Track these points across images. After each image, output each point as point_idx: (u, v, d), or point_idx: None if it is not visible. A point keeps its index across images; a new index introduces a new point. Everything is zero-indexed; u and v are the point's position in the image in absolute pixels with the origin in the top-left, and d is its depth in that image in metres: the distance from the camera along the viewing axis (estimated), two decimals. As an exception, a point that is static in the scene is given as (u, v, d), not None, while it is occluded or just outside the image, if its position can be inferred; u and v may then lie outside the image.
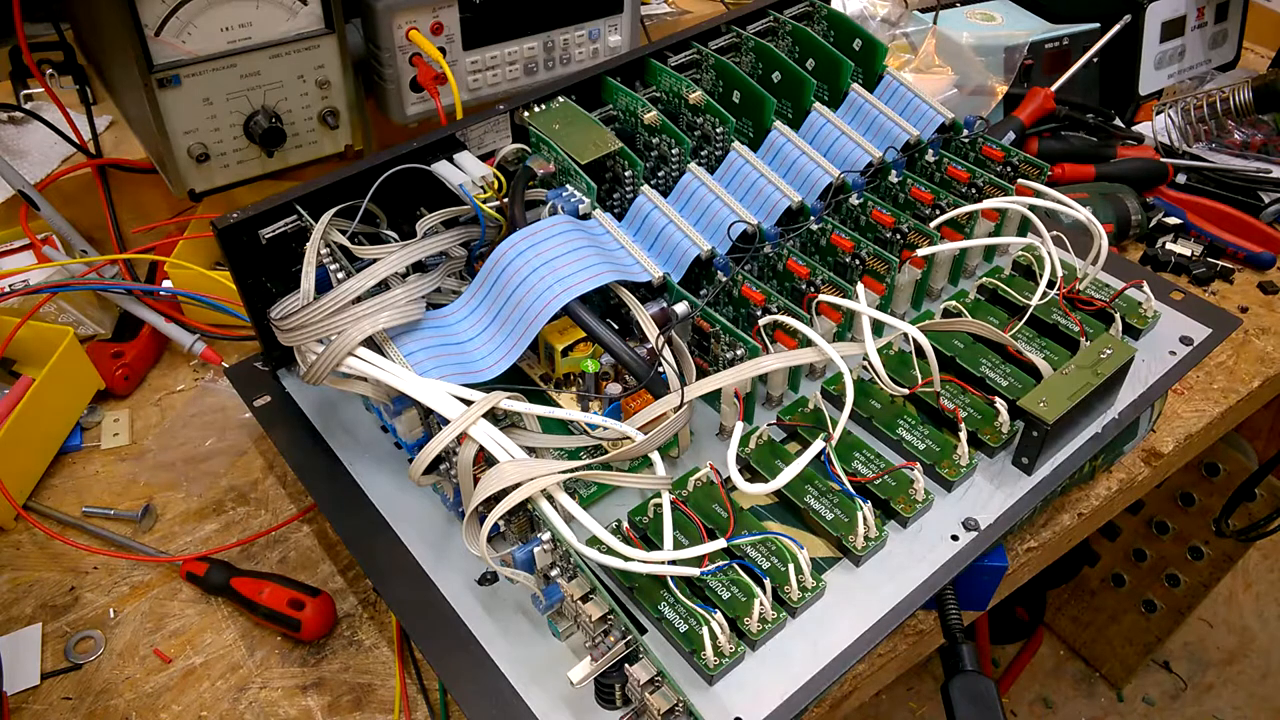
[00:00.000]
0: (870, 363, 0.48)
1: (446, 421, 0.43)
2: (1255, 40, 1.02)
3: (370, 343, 0.46)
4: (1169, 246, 0.79)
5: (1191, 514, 1.17)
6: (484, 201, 0.51)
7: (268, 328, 0.50)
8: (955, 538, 0.47)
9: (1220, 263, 0.79)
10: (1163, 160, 0.84)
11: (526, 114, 0.56)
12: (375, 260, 0.48)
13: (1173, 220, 0.81)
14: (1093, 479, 0.63)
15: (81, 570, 0.56)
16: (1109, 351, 0.50)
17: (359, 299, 0.47)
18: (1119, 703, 1.43)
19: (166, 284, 0.69)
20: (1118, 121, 0.90)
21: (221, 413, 0.65)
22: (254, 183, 0.69)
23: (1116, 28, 0.87)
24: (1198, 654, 1.48)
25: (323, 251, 0.49)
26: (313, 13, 0.64)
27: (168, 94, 0.62)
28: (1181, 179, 0.84)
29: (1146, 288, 0.57)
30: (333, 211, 0.50)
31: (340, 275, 0.49)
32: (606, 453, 0.46)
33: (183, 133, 0.64)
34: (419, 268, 0.52)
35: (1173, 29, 0.92)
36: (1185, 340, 0.57)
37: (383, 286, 0.48)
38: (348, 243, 0.50)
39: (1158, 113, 0.89)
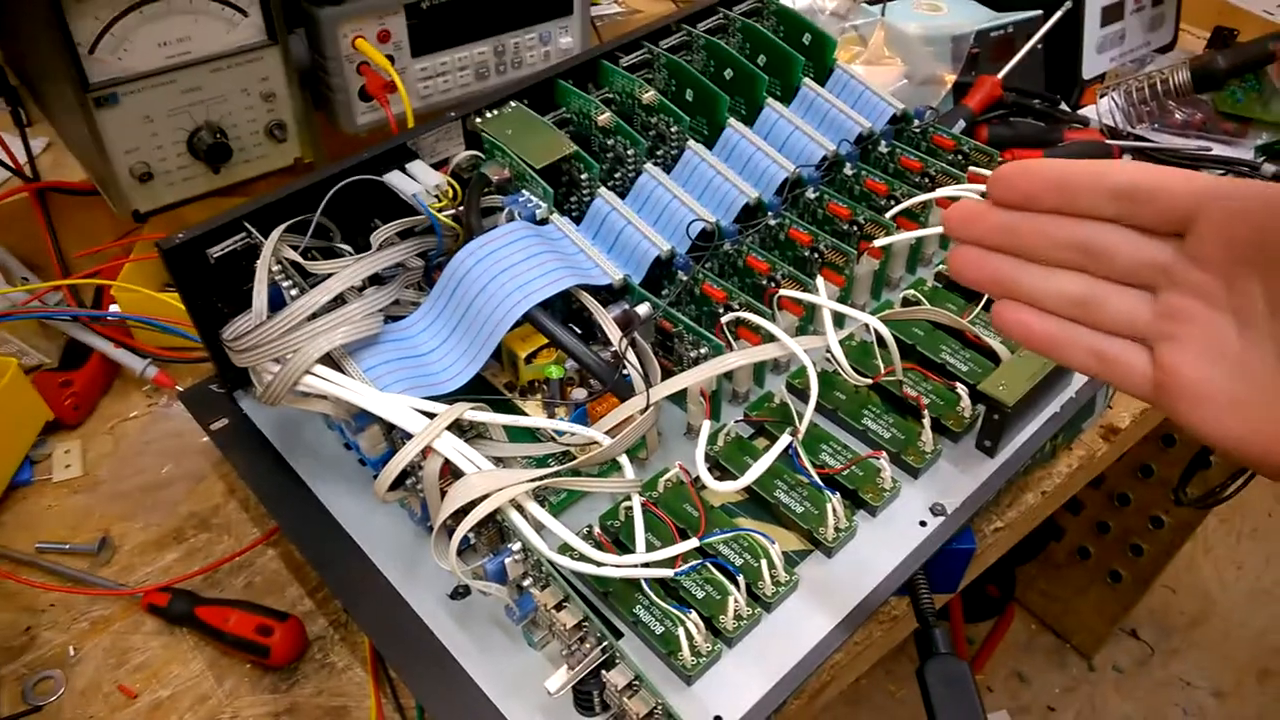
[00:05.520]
0: (833, 355, 0.49)
1: (410, 436, 0.43)
2: (1191, 22, 1.04)
3: (328, 359, 0.45)
4: (1117, 226, 0.81)
5: (1151, 484, 1.20)
6: (439, 210, 0.51)
7: (221, 349, 0.49)
8: (923, 523, 0.48)
9: (1167, 240, 0.81)
10: (1108, 142, 0.85)
11: (479, 120, 0.56)
12: (330, 275, 0.48)
13: (1120, 200, 0.82)
14: (1054, 457, 0.64)
15: (37, 609, 0.54)
16: (1065, 333, 0.51)
17: (314, 315, 0.46)
18: (1090, 672, 1.46)
19: (114, 308, 0.67)
20: (1063, 106, 0.92)
21: (178, 438, 0.64)
22: (201, 200, 0.68)
23: (1058, 14, 0.89)
24: (1163, 620, 1.52)
25: (274, 268, 0.48)
26: (253, 24, 0.63)
27: (106, 113, 0.60)
28: (1127, 159, 0.86)
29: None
30: (283, 227, 0.49)
31: (294, 292, 0.48)
32: (575, 458, 0.46)
33: (124, 152, 0.62)
34: (375, 280, 0.51)
35: (1112, 13, 0.94)
36: (1137, 318, 0.58)
37: (339, 301, 0.47)
38: (300, 258, 0.49)
39: (1101, 96, 0.91)
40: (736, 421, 0.51)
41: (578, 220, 0.55)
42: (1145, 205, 0.30)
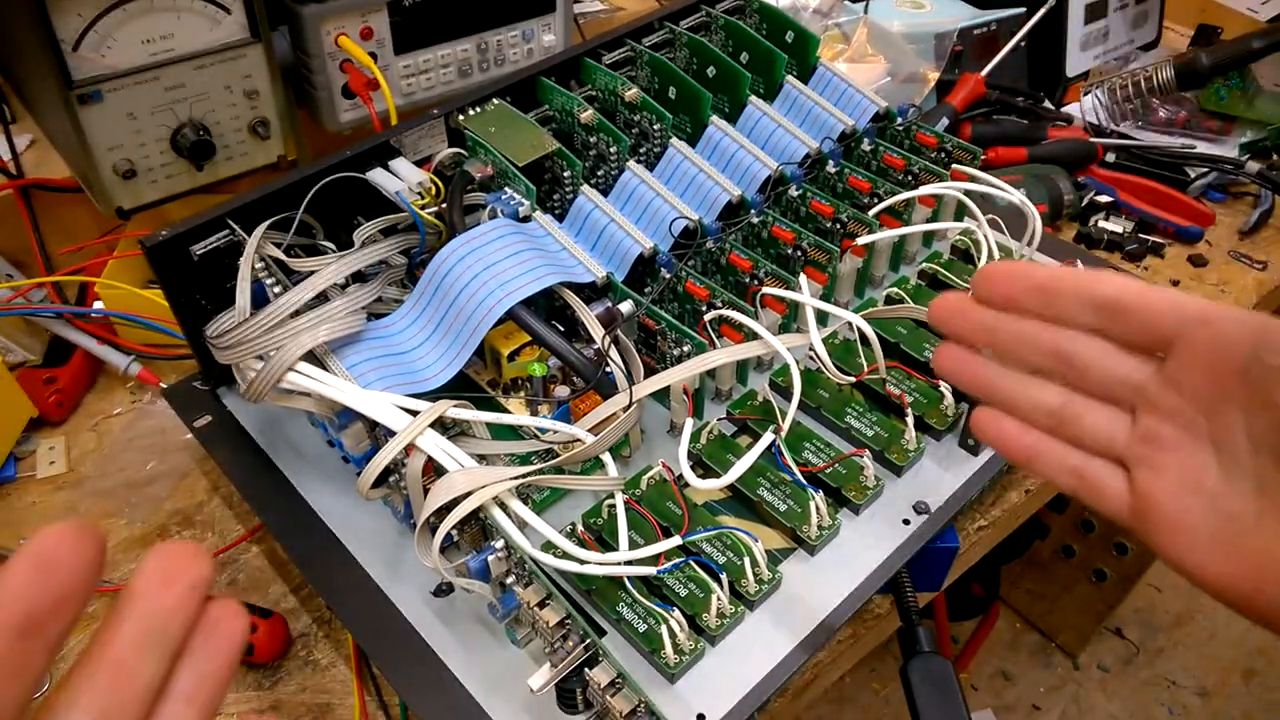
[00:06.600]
0: (816, 353, 0.49)
1: (393, 434, 0.43)
2: (1174, 20, 1.05)
3: (311, 357, 0.45)
4: (1101, 224, 0.81)
5: (1136, 482, 1.20)
6: (422, 208, 0.51)
7: (205, 346, 0.49)
8: (907, 521, 0.48)
9: (1151, 238, 0.81)
10: (1092, 140, 0.86)
11: (462, 117, 0.56)
12: (313, 272, 0.47)
13: (1104, 198, 0.83)
14: (1038, 455, 0.65)
15: (20, 606, 0.54)
16: (1046, 330, 0.51)
17: (297, 313, 0.46)
18: (1075, 671, 1.47)
19: (98, 305, 0.66)
20: (1047, 104, 0.92)
21: (162, 435, 0.63)
22: (185, 197, 0.67)
23: (1041, 11, 0.89)
24: (1148, 619, 1.53)
25: (257, 265, 0.48)
26: (236, 21, 0.62)
27: (89, 110, 0.60)
28: (1111, 158, 0.86)
29: (1081, 266, 0.59)
30: (266, 224, 0.49)
31: (277, 289, 0.48)
32: (558, 456, 0.46)
33: (107, 149, 0.62)
34: (358, 278, 0.51)
35: (1096, 10, 0.94)
36: (1119, 316, 0.59)
37: (322, 299, 0.47)
38: (283, 255, 0.49)
39: (1085, 93, 0.91)
40: (719, 419, 0.51)
41: (560, 218, 0.55)
42: (1127, 321, 0.28)
